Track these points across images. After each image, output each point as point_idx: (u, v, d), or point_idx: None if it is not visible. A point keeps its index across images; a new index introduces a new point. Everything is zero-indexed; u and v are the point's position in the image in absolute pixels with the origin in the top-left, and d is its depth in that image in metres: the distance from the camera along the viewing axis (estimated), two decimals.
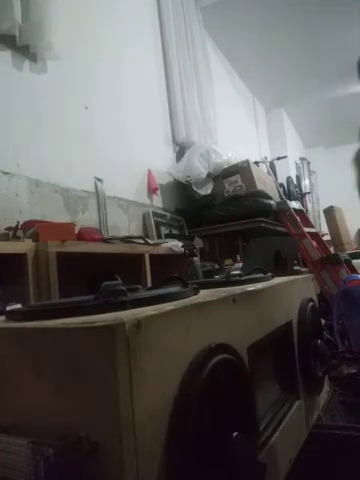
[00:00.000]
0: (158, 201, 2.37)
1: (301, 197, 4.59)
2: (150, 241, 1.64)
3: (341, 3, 3.06)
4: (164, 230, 2.22)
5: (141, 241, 1.57)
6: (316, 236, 2.50)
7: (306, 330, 0.73)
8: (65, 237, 1.19)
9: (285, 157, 4.04)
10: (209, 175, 2.44)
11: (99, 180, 1.84)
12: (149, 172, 2.30)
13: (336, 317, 1.66)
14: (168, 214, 2.34)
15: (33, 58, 1.63)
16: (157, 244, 1.66)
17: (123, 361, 0.32)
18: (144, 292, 0.48)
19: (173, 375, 0.38)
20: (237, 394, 0.43)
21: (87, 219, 1.75)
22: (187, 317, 0.41)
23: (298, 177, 5.19)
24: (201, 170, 2.38)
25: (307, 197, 5.06)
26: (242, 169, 2.44)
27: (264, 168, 3.23)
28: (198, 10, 3.18)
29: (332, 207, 4.74)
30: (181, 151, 2.62)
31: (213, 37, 3.58)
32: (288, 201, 2.49)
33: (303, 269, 2.13)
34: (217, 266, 2.02)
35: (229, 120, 3.67)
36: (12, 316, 0.49)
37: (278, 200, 2.55)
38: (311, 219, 3.28)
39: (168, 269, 1.69)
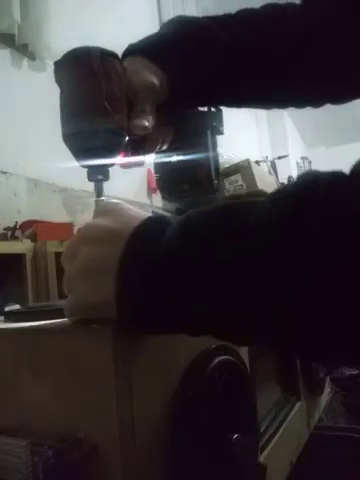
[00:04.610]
0: (158, 201, 2.37)
1: None
2: None
3: None
4: None
5: None
6: None
7: None
8: (64, 237, 1.19)
9: (286, 156, 4.04)
10: None
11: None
12: (149, 171, 2.30)
13: None
14: (168, 214, 2.33)
15: (31, 57, 1.63)
16: None
17: (123, 362, 0.32)
18: None
19: (173, 376, 0.37)
20: (238, 396, 0.43)
21: (86, 219, 1.73)
22: None
23: None
24: None
25: None
26: (243, 168, 2.44)
27: (265, 167, 3.23)
28: (199, 10, 3.18)
29: None
30: None
31: None
32: None
33: None
34: None
35: (230, 118, 3.66)
36: (11, 317, 0.48)
37: None
38: None
39: None
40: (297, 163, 5.49)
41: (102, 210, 0.38)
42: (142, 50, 0.52)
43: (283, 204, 0.27)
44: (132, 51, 0.52)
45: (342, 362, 0.36)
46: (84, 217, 1.74)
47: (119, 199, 0.41)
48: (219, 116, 0.62)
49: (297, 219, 0.25)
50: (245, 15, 0.56)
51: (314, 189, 0.26)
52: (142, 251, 0.31)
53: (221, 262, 0.28)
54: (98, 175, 0.47)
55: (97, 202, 0.47)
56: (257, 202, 0.29)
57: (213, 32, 0.54)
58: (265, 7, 0.57)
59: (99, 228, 0.35)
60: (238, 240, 0.27)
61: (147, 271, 0.30)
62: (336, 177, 0.27)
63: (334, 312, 0.25)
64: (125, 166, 0.54)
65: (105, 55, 0.46)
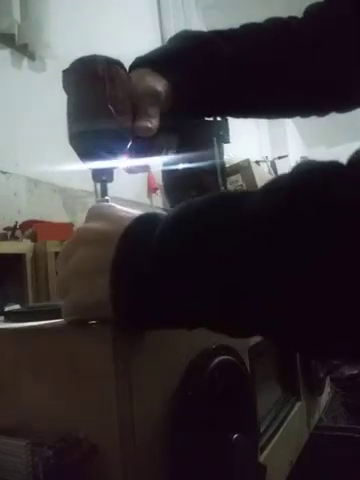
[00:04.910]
0: (158, 201, 2.36)
1: None
2: None
3: None
4: None
5: None
6: None
7: None
8: (64, 237, 1.19)
9: (286, 156, 4.03)
10: None
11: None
12: (149, 171, 2.30)
13: None
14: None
15: (31, 57, 1.63)
16: None
17: (123, 362, 0.32)
18: None
19: (173, 376, 0.37)
20: (238, 396, 0.43)
21: None
22: None
23: None
24: None
25: None
26: (243, 168, 2.43)
27: (265, 167, 3.22)
28: (199, 10, 3.17)
29: None
30: None
31: None
32: None
33: None
34: None
35: (229, 119, 3.66)
36: (11, 317, 0.48)
37: None
38: None
39: None
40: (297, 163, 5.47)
41: (94, 214, 0.38)
42: (149, 62, 0.53)
43: (278, 195, 0.27)
44: (139, 64, 0.54)
45: (339, 355, 0.35)
46: (84, 217, 1.74)
47: (119, 199, 0.41)
48: (225, 125, 0.65)
49: (292, 210, 0.25)
50: (249, 30, 0.58)
51: (309, 179, 0.26)
52: (134, 251, 0.31)
53: (216, 255, 0.27)
54: (102, 176, 0.49)
55: (99, 202, 0.49)
56: (252, 193, 0.28)
57: (218, 46, 0.55)
58: (268, 21, 0.59)
59: (92, 231, 0.35)
60: (233, 232, 0.27)
61: (140, 270, 0.30)
62: (332, 167, 0.27)
63: (331, 303, 0.25)
64: (131, 171, 0.55)
65: (110, 62, 0.48)
